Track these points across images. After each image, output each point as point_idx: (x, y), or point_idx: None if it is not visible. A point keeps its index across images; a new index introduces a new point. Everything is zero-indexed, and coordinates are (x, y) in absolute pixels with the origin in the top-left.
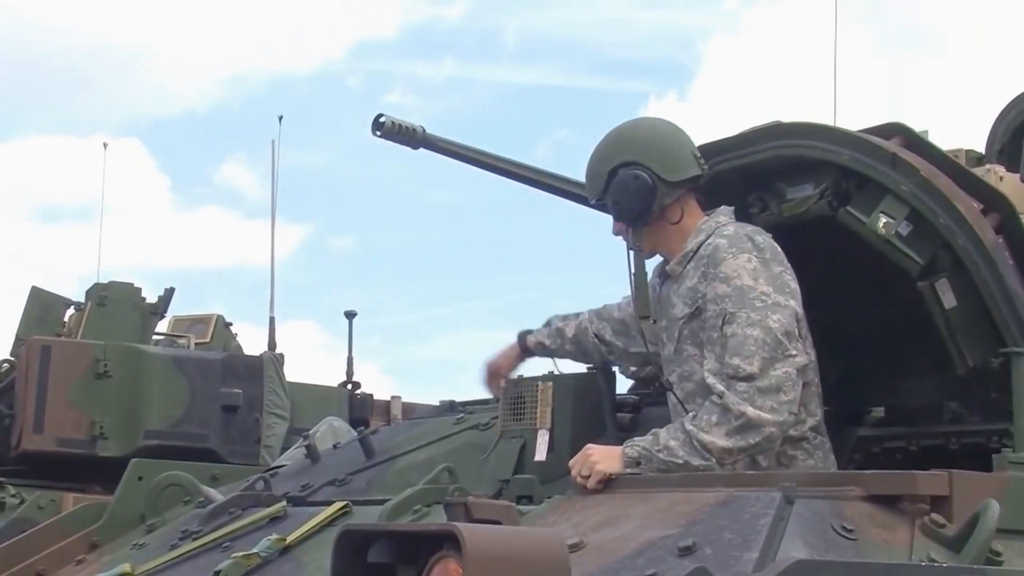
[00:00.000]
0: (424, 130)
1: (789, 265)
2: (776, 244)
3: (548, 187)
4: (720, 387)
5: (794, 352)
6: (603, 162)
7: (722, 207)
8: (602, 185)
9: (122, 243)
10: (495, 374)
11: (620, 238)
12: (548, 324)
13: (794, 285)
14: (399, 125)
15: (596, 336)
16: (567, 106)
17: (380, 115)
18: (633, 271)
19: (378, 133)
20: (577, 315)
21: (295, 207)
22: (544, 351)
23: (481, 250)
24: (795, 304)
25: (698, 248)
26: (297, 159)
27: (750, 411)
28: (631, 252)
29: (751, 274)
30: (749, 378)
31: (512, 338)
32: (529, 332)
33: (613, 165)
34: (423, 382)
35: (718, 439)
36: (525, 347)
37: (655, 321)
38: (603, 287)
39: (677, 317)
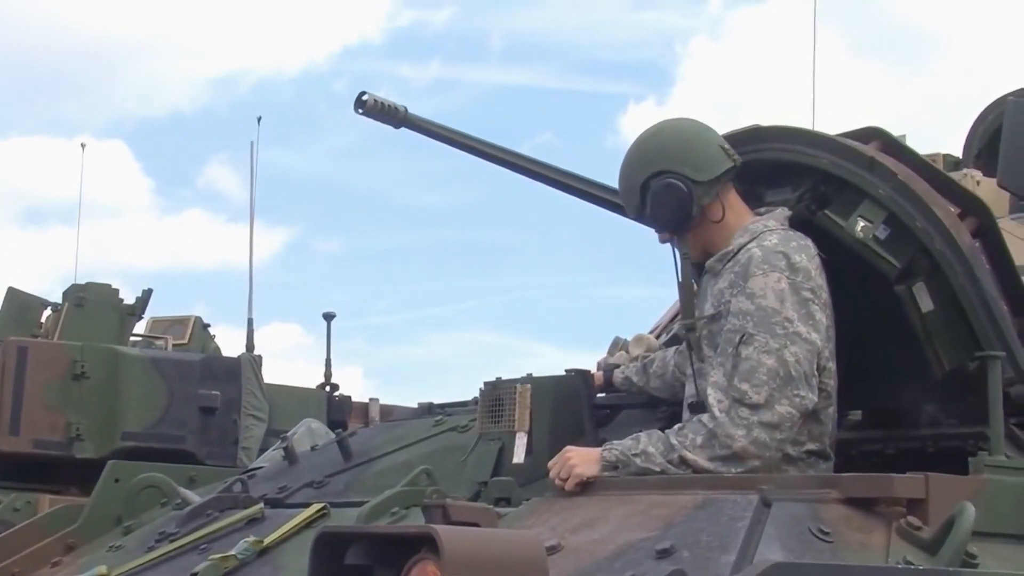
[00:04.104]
0: (407, 110)
1: (824, 291)
2: (815, 265)
3: (527, 171)
4: (719, 406)
5: (803, 394)
6: (633, 177)
7: (778, 209)
8: (638, 200)
9: (105, 245)
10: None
11: (656, 243)
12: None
13: (820, 316)
14: (381, 103)
15: (678, 367)
16: (550, 108)
17: (363, 93)
18: (680, 279)
19: (360, 111)
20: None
21: (279, 210)
22: (631, 386)
23: (465, 252)
24: (817, 338)
25: (739, 250)
26: (282, 162)
27: (737, 445)
28: (680, 259)
29: (778, 296)
30: (754, 407)
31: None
32: (613, 366)
33: (644, 178)
34: (406, 385)
35: (700, 459)
36: (609, 381)
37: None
38: (587, 288)
39: (704, 316)
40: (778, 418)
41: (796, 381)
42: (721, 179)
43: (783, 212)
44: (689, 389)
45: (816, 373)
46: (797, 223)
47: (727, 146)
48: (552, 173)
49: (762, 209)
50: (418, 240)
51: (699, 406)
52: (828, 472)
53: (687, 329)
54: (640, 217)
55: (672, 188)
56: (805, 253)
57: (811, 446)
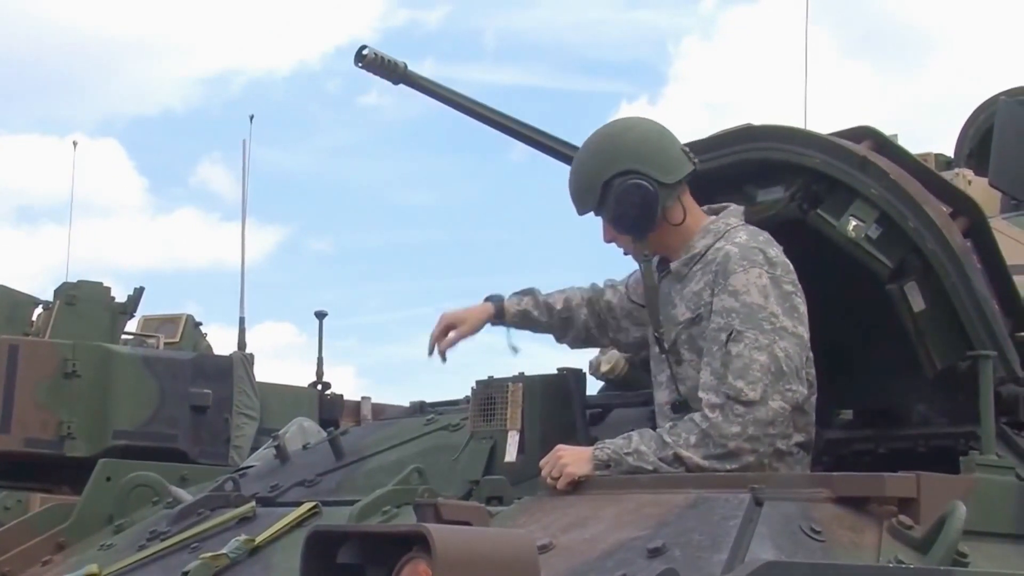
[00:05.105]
0: (406, 66)
1: (798, 283)
2: (786, 258)
3: (522, 136)
4: (713, 404)
5: (795, 388)
6: (595, 174)
7: (732, 207)
8: (596, 198)
9: (97, 244)
10: (451, 328)
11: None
12: (528, 294)
13: (803, 308)
14: (381, 57)
15: (591, 311)
16: (543, 107)
17: (363, 47)
18: (646, 283)
19: (360, 64)
20: (562, 291)
21: (273, 209)
22: (525, 320)
23: (457, 251)
24: (803, 330)
25: (706, 251)
26: (275, 161)
27: (732, 444)
28: (643, 263)
29: (761, 291)
30: (749, 404)
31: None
32: (502, 297)
33: (608, 176)
34: (398, 383)
35: (695, 456)
36: (501, 311)
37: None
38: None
39: (678, 320)
40: (772, 414)
41: (788, 376)
42: (683, 182)
43: (738, 209)
44: (664, 395)
45: (804, 365)
46: (789, 222)
47: (686, 148)
48: (548, 140)
49: (704, 208)
50: (410, 239)
51: (681, 406)
52: (807, 462)
53: (659, 334)
54: (597, 213)
55: (640, 189)
56: (776, 247)
57: (799, 437)
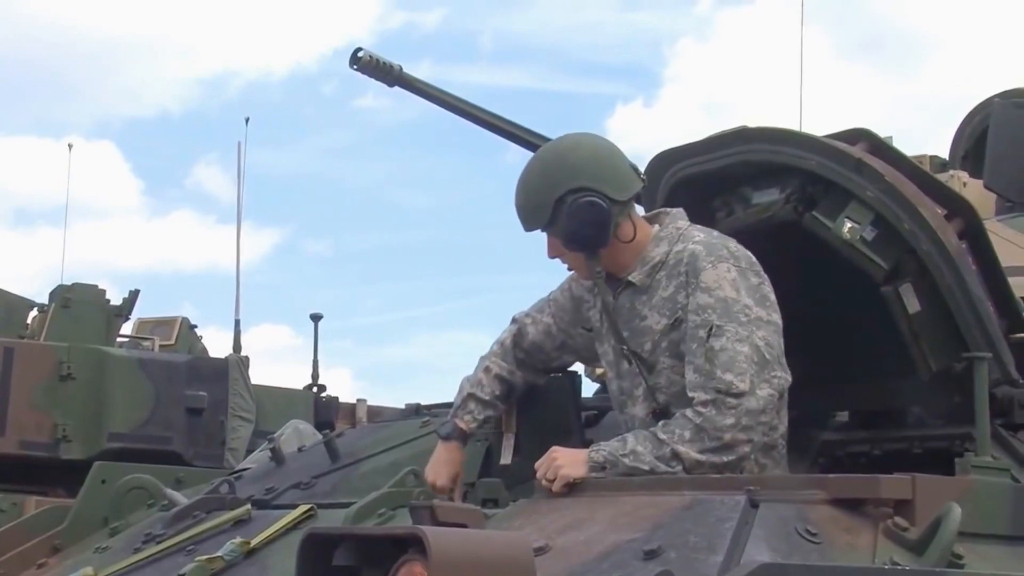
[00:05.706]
0: (401, 68)
1: (762, 271)
2: (748, 251)
3: (520, 139)
4: (704, 401)
5: (779, 375)
6: (547, 191)
7: (672, 210)
8: (547, 215)
9: (93, 246)
10: (451, 488)
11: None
12: (471, 400)
13: (772, 296)
14: (376, 60)
15: (521, 365)
16: (539, 109)
17: (358, 49)
18: (604, 299)
19: (355, 67)
20: (485, 368)
21: (269, 211)
22: (488, 423)
23: (453, 252)
24: (777, 317)
25: (666, 257)
26: (272, 163)
27: (727, 436)
28: (595, 279)
29: (732, 285)
30: (740, 395)
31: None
32: (453, 420)
33: (560, 193)
34: (394, 385)
35: (691, 451)
36: (464, 437)
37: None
38: None
39: (653, 329)
40: (762, 403)
41: (771, 363)
42: (632, 199)
43: (679, 211)
44: (643, 408)
45: (783, 351)
46: (784, 224)
47: (634, 164)
48: (544, 142)
49: (651, 215)
50: (407, 240)
51: (662, 415)
52: (784, 449)
53: (629, 349)
54: (545, 230)
55: (595, 206)
56: (733, 240)
57: (781, 428)
